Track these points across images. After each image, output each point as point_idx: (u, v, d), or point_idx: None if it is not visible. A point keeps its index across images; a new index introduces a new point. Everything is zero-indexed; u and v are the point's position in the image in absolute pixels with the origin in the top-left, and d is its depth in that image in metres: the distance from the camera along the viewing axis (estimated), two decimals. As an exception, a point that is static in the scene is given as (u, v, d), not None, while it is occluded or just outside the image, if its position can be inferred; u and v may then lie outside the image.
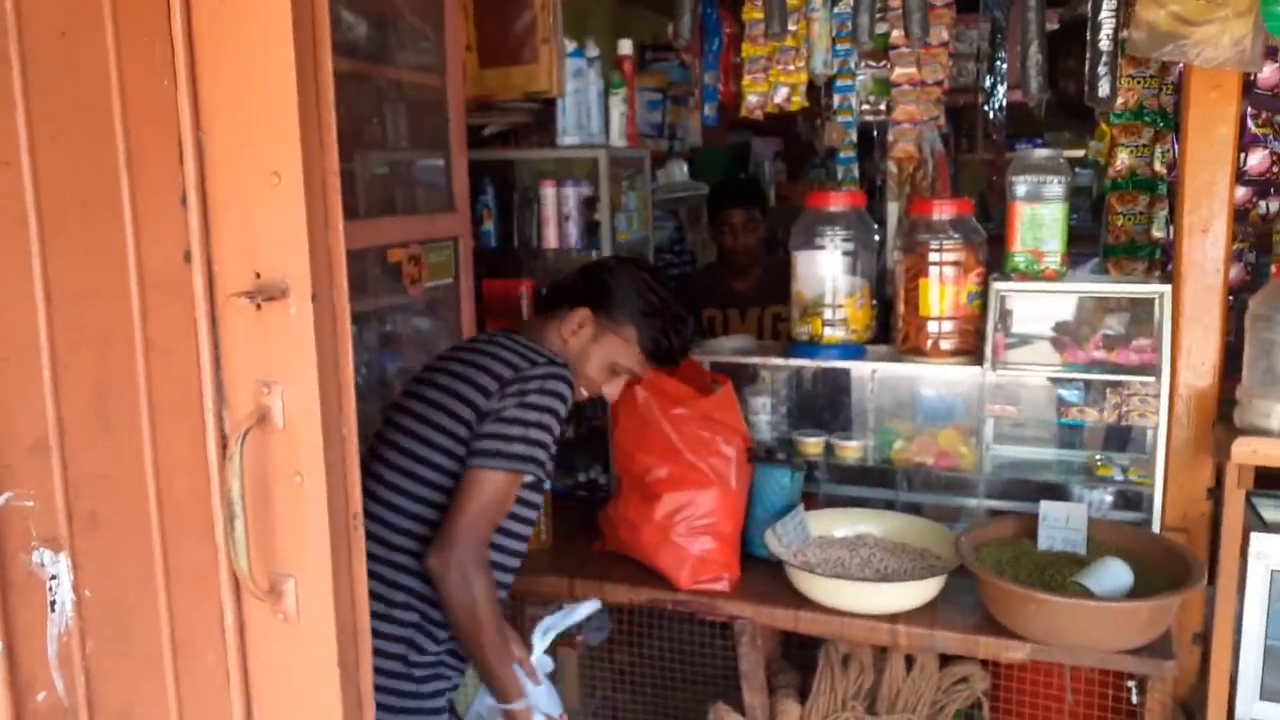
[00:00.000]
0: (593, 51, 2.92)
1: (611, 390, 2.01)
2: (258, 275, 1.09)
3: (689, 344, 2.07)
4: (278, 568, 1.13)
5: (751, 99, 3.07)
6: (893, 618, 2.09)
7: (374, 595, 1.80)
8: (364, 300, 2.47)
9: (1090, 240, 3.31)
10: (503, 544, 1.90)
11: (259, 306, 1.08)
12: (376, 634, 1.79)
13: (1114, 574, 2.00)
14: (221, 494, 1.09)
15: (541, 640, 2.00)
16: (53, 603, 0.99)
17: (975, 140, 5.21)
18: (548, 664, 2.01)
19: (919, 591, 2.09)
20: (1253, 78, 2.23)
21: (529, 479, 1.82)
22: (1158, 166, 2.59)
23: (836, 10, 2.79)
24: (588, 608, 2.03)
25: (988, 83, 3.63)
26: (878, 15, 2.72)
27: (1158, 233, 2.60)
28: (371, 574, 1.81)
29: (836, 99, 3.08)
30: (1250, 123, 2.26)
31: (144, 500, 1.06)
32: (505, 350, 1.86)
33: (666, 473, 2.27)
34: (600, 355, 1.95)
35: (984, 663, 2.26)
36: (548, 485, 2.48)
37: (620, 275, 1.96)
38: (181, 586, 1.10)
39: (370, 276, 2.50)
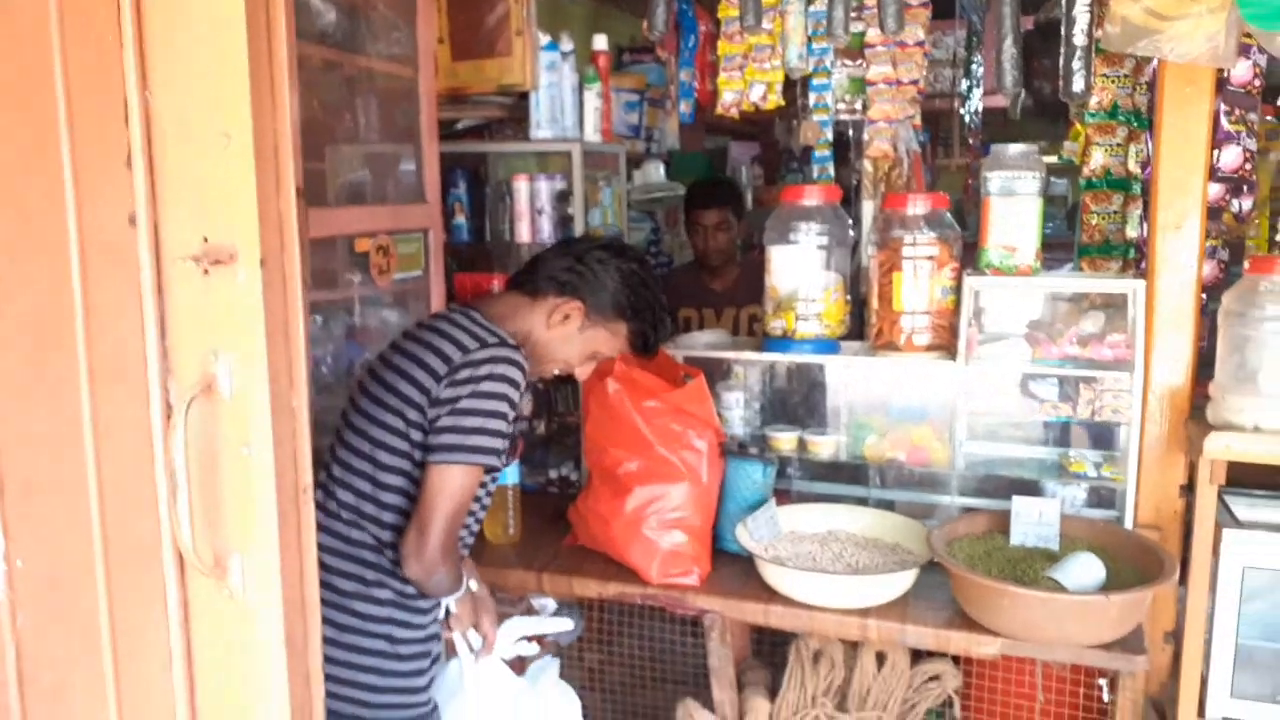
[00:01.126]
0: (567, 46, 2.90)
1: (583, 371, 2.00)
2: (205, 239, 1.05)
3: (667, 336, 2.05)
4: (224, 542, 1.09)
5: (727, 96, 3.05)
6: (864, 612, 2.07)
7: (348, 575, 1.82)
8: (330, 290, 2.43)
9: (1066, 248, 3.32)
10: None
11: (206, 271, 1.05)
12: (357, 614, 1.81)
13: (1086, 568, 1.98)
14: (165, 465, 1.05)
15: (509, 644, 2.00)
16: (-18, 573, 0.95)
17: (952, 145, 5.23)
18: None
19: (890, 585, 2.07)
20: (1226, 74, 2.24)
21: (490, 465, 1.79)
22: (1132, 166, 2.59)
23: (812, 9, 2.78)
24: (559, 625, 2.01)
25: (964, 86, 3.63)
26: (853, 15, 2.72)
27: (1132, 232, 2.60)
28: (343, 554, 1.81)
29: (813, 97, 3.06)
30: (1224, 120, 2.26)
31: (82, 469, 1.02)
32: (455, 329, 1.82)
33: (637, 466, 2.24)
34: (584, 344, 1.93)
35: (955, 660, 2.24)
36: (510, 479, 2.46)
37: (615, 270, 1.91)
38: (122, 560, 1.06)
39: (337, 265, 2.46)
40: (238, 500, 1.08)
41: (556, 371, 2.00)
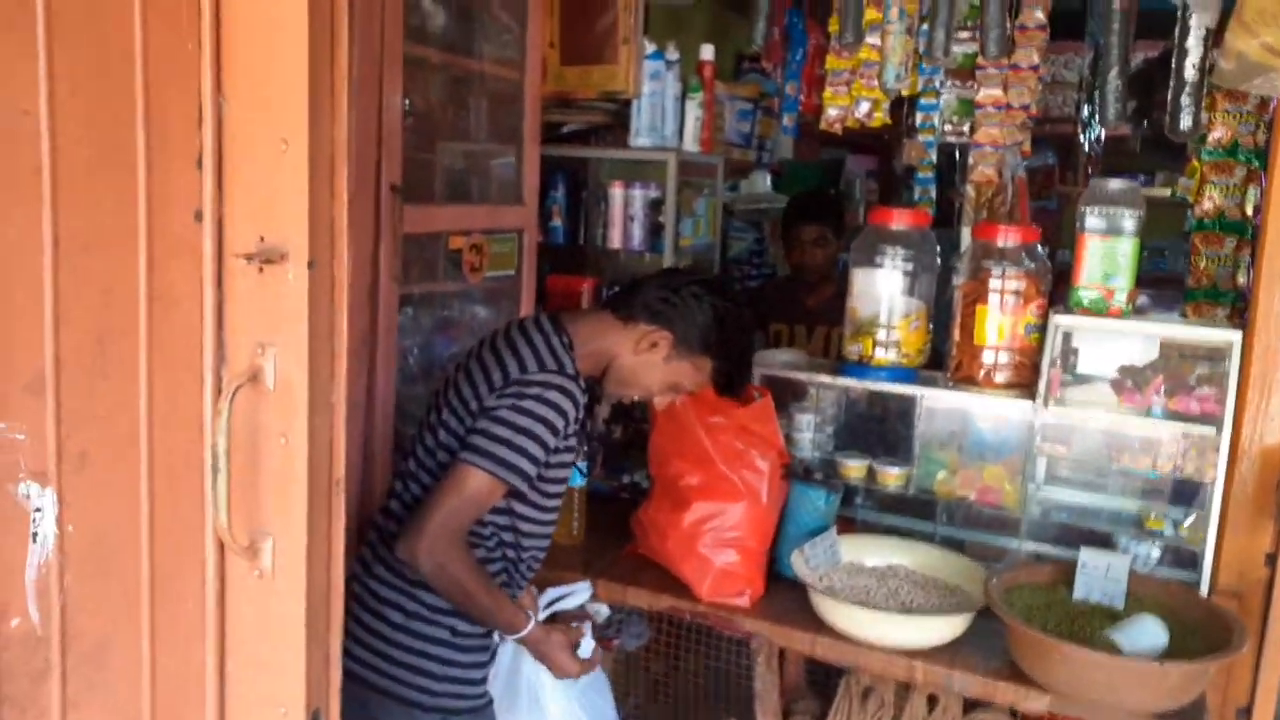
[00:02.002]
0: (673, 55, 2.93)
1: (662, 401, 2.04)
2: (262, 239, 1.12)
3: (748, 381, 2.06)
4: (258, 525, 1.16)
5: (832, 112, 3.03)
6: (912, 653, 2.03)
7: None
8: (421, 284, 2.52)
9: (1181, 285, 3.16)
10: (531, 530, 1.93)
11: (260, 269, 1.11)
12: (423, 603, 1.86)
13: (1148, 632, 1.90)
14: (210, 448, 1.13)
15: (543, 611, 2.05)
16: (35, 534, 1.03)
17: (1078, 171, 5.03)
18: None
19: (939, 628, 2.03)
20: (1353, 120, 2.10)
21: (512, 486, 1.79)
22: (1248, 209, 2.46)
23: (923, 28, 2.73)
24: (582, 591, 2.04)
25: (1085, 112, 3.50)
26: (966, 36, 2.66)
27: (1242, 279, 2.46)
28: None
29: (919, 117, 3.01)
30: (1347, 169, 2.12)
31: (135, 446, 1.10)
32: (526, 346, 1.86)
33: (698, 480, 2.25)
34: (666, 374, 1.96)
35: (1012, 713, 2.18)
36: (579, 481, 2.50)
37: (710, 306, 1.92)
38: (165, 532, 1.14)
39: (431, 260, 2.55)
40: (273, 486, 1.14)
41: (636, 397, 2.04)
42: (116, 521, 1.10)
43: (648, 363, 1.93)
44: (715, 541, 2.22)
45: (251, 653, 1.18)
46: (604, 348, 1.93)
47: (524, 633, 1.89)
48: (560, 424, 1.80)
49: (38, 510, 1.03)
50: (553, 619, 2.06)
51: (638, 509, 2.49)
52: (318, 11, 1.09)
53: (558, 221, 3.14)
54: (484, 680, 1.97)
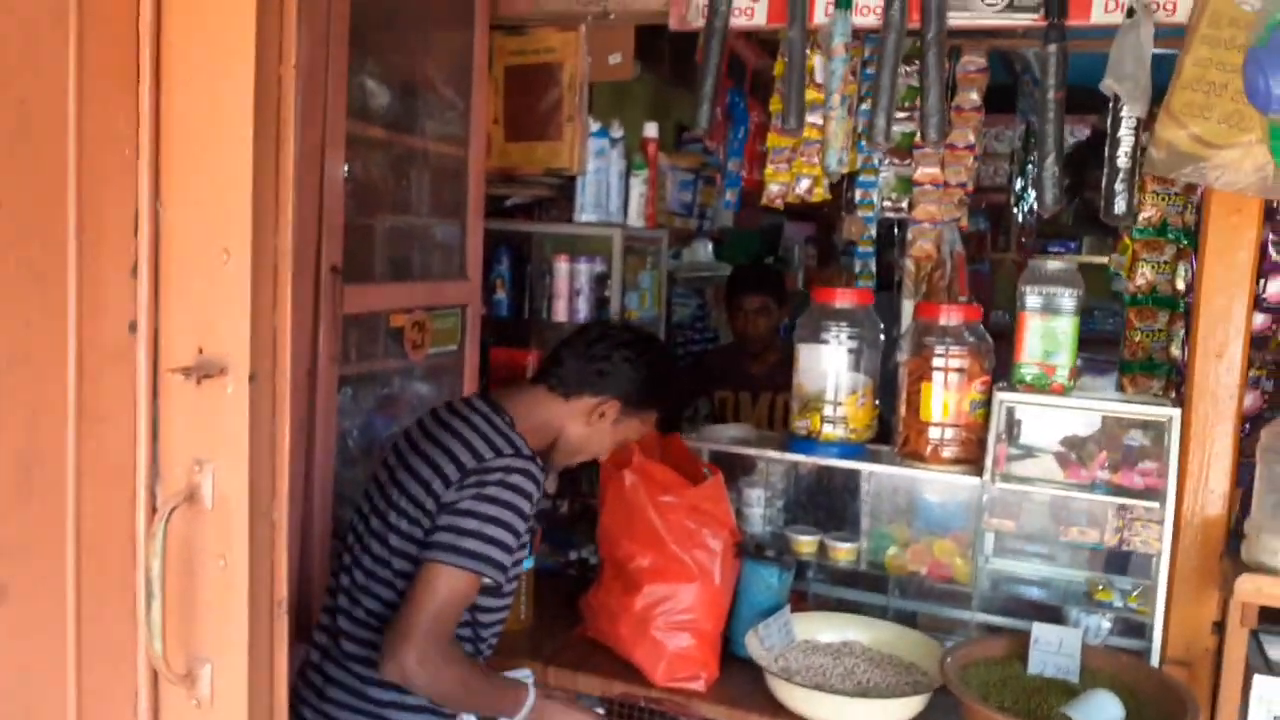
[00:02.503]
0: (617, 132, 2.95)
1: (606, 454, 2.07)
2: (200, 351, 1.08)
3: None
4: (196, 652, 1.10)
5: (773, 188, 3.05)
6: (870, 735, 2.01)
7: (383, 684, 1.75)
8: (361, 363, 2.47)
9: (1118, 346, 3.23)
10: (490, 620, 1.88)
11: (198, 382, 1.07)
12: (401, 706, 1.77)
13: (1103, 709, 1.90)
14: (143, 573, 1.07)
15: None
16: (-49, 674, 0.96)
17: (1011, 239, 5.17)
18: None
19: (898, 710, 2.01)
20: (1275, 204, 2.18)
21: (487, 581, 1.74)
22: (1179, 284, 2.53)
23: (864, 107, 2.78)
24: (525, 678, 1.97)
25: (1018, 185, 3.60)
26: (904, 116, 2.72)
27: (1175, 351, 2.53)
28: (374, 663, 1.75)
29: (858, 193, 3.06)
30: (1271, 249, 2.20)
31: (61, 575, 1.04)
32: (473, 433, 1.82)
33: (649, 562, 2.21)
34: (617, 435, 1.99)
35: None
36: (527, 564, 2.44)
37: (645, 365, 1.94)
38: (94, 665, 1.07)
39: (371, 339, 2.50)
40: (211, 610, 1.09)
41: (582, 459, 2.04)
42: (41, 657, 1.03)
43: (598, 431, 1.96)
44: (668, 625, 2.18)
45: (187, 788, 1.11)
46: (546, 422, 1.92)
47: (529, 703, 1.83)
48: (526, 507, 1.77)
49: (-46, 649, 0.96)
50: None
51: (587, 591, 2.44)
52: (263, 117, 1.06)
53: (502, 294, 3.12)
54: None
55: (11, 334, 0.99)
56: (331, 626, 1.87)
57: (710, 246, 4.36)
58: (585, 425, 1.93)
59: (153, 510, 1.09)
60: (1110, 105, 2.06)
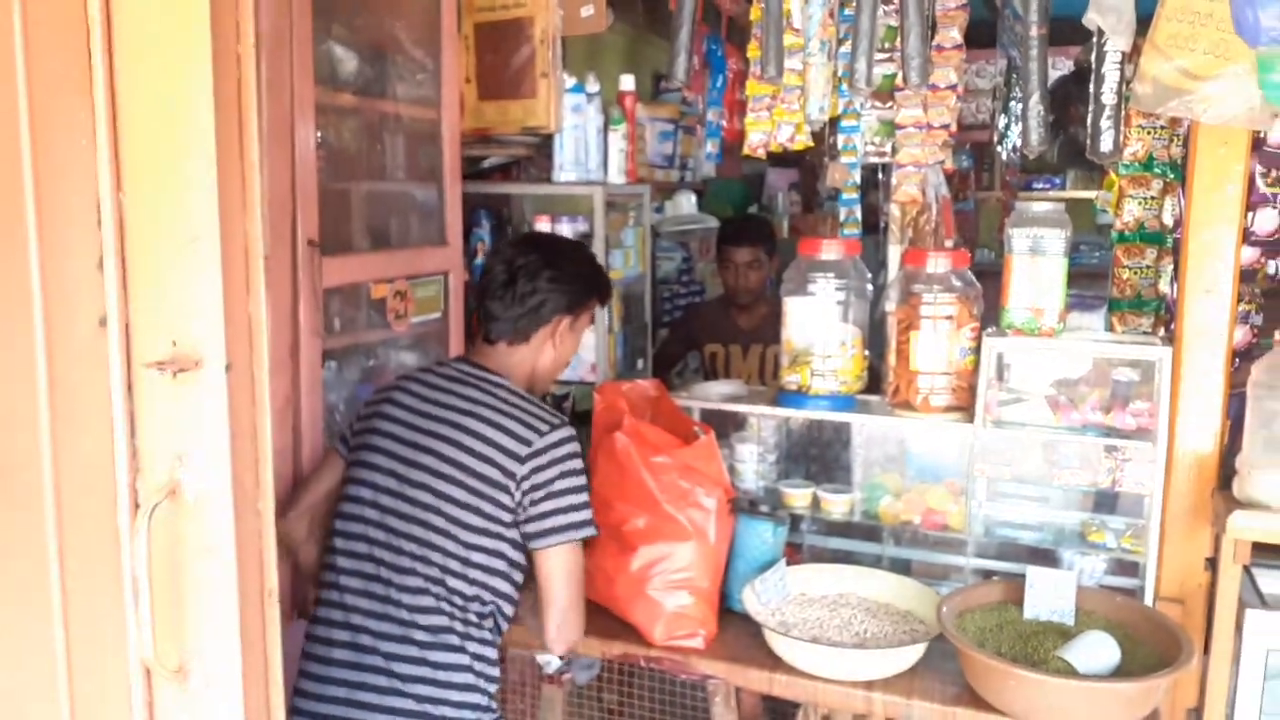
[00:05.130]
0: (593, 87, 2.89)
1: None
2: (174, 343, 1.05)
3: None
4: (188, 645, 1.08)
5: (754, 137, 3.01)
6: (869, 684, 2.02)
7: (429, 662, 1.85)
8: (344, 336, 2.44)
9: (1105, 280, 3.22)
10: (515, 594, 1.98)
11: (174, 376, 1.04)
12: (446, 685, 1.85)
13: (1099, 650, 1.91)
14: (129, 570, 1.05)
15: None
16: (-61, 684, 0.95)
17: (995, 177, 5.13)
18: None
19: (896, 660, 2.02)
20: (1262, 135, 2.15)
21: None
22: (1166, 219, 2.51)
23: (843, 50, 2.73)
24: None
25: (1001, 123, 3.55)
26: (884, 57, 2.67)
27: (1164, 287, 2.51)
28: (409, 640, 1.84)
29: (841, 139, 3.01)
30: (1259, 181, 2.18)
31: (45, 576, 1.02)
32: (512, 409, 1.93)
33: (644, 523, 2.20)
34: (576, 339, 2.13)
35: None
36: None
37: (568, 273, 2.05)
38: (85, 665, 1.06)
39: (352, 311, 2.47)
40: (201, 604, 1.07)
41: (559, 375, 2.19)
42: (31, 663, 1.02)
43: (564, 346, 2.09)
44: (665, 584, 2.18)
45: (188, 781, 1.10)
46: (524, 370, 2.05)
47: None
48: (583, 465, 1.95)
49: (-60, 657, 0.95)
50: None
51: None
52: (223, 98, 1.02)
53: (483, 259, 3.07)
54: None
55: (-24, 336, 0.96)
56: (361, 601, 1.89)
57: (694, 198, 4.31)
58: (551, 350, 2.06)
59: (135, 506, 1.07)
60: (1094, 40, 2.02)
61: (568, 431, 1.93)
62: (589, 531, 1.92)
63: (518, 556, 1.94)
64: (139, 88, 1.04)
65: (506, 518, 1.87)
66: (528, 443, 1.87)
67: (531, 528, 1.87)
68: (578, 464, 1.92)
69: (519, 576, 1.96)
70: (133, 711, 1.09)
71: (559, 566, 1.89)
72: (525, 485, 1.86)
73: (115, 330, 1.06)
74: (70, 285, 1.04)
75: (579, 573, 1.93)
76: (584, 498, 1.92)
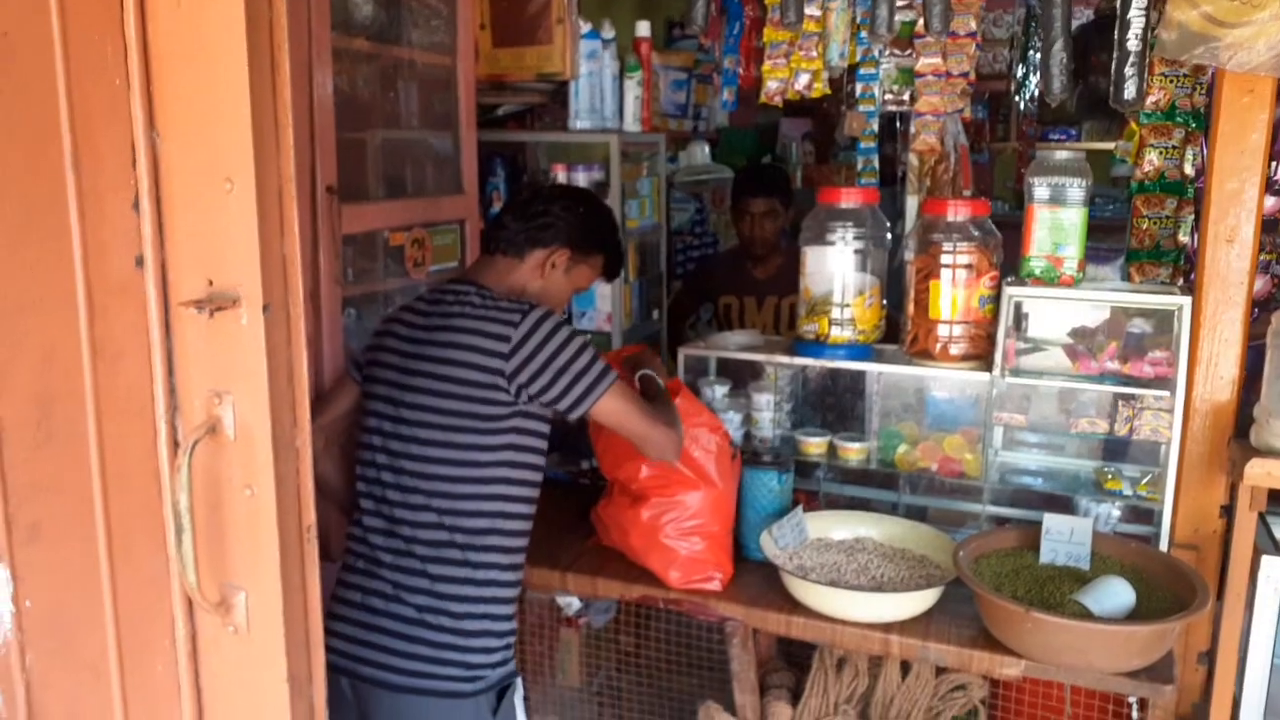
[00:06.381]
0: (609, 34, 2.86)
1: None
2: (210, 283, 1.06)
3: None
4: (229, 579, 1.11)
5: (772, 85, 2.98)
6: (886, 626, 2.05)
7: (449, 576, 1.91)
8: (362, 284, 2.45)
9: (1122, 233, 3.20)
10: (518, 488, 1.97)
11: (211, 315, 1.05)
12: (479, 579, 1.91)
13: (1115, 593, 1.94)
14: (171, 505, 1.07)
15: None
16: (-9, 614, 0.97)
17: (1010, 127, 5.08)
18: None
19: (913, 603, 2.05)
20: (1288, 81, 2.12)
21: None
22: (1188, 169, 2.49)
23: (860, -2, 2.70)
24: None
25: (1019, 73, 3.51)
26: (903, 3, 2.64)
27: (1184, 238, 2.50)
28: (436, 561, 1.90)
29: (859, 87, 2.98)
30: (1283, 129, 2.15)
31: (89, 510, 1.04)
32: (482, 310, 1.93)
33: (648, 476, 2.21)
34: (570, 283, 2.10)
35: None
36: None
37: (582, 212, 2.07)
38: (130, 597, 1.08)
39: (371, 258, 2.47)
40: (241, 539, 1.10)
41: None
42: (76, 591, 1.04)
43: (554, 281, 2.07)
44: (678, 532, 2.20)
45: (231, 711, 1.13)
46: (510, 285, 2.04)
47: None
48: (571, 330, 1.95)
49: (-9, 589, 0.97)
50: None
51: (598, 503, 2.46)
52: (256, 36, 1.02)
53: (498, 207, 3.07)
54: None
55: (18, 277, 0.97)
56: (374, 521, 1.96)
57: (707, 148, 4.28)
58: (541, 278, 2.05)
59: (174, 443, 1.09)
60: (1121, -14, 2.00)
61: (540, 312, 1.91)
62: (611, 378, 1.92)
63: (523, 457, 1.95)
64: (170, 27, 1.04)
65: (504, 412, 1.89)
66: (505, 339, 1.88)
67: (563, 402, 1.89)
68: (563, 333, 1.90)
69: (524, 490, 1.97)
70: (176, 643, 1.11)
71: (611, 414, 1.93)
72: (519, 378, 1.87)
73: (152, 270, 1.07)
74: (107, 226, 1.04)
75: (633, 405, 1.95)
76: (587, 356, 1.91)
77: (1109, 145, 4.06)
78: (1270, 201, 2.18)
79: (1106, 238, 3.93)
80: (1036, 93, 3.85)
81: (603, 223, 2.13)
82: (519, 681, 2.02)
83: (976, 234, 2.27)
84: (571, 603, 2.43)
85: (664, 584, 2.23)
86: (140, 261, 1.06)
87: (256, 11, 1.02)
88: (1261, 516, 2.08)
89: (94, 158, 1.03)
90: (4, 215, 0.95)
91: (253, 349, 1.05)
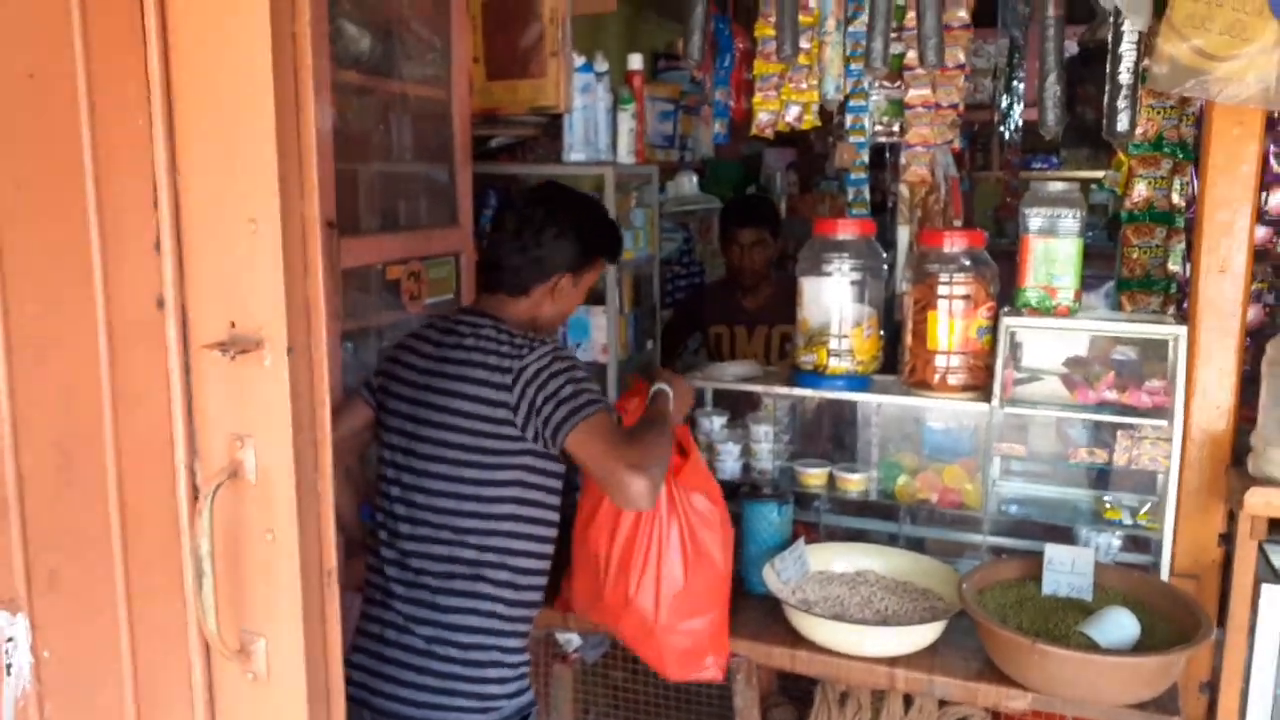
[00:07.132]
0: (602, 66, 2.87)
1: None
2: (233, 325, 1.05)
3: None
4: (248, 626, 1.09)
5: (763, 117, 3.01)
6: (891, 660, 2.04)
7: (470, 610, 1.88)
8: (360, 318, 2.43)
9: (1106, 260, 3.24)
10: (532, 530, 1.94)
11: (233, 358, 1.04)
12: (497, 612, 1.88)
13: (1120, 625, 1.94)
14: (191, 551, 1.05)
15: None
16: (9, 666, 0.95)
17: (990, 156, 5.14)
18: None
19: (919, 636, 2.04)
20: (1277, 115, 2.17)
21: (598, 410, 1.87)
22: (1176, 199, 2.53)
23: (851, 29, 2.73)
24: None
25: (1004, 103, 3.56)
26: (892, 36, 2.67)
27: (1173, 266, 2.53)
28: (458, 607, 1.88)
29: (849, 119, 3.02)
30: (1273, 161, 2.20)
31: (108, 557, 1.02)
32: (490, 350, 1.92)
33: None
34: (580, 292, 2.10)
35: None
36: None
37: (572, 227, 2.03)
38: (148, 644, 1.06)
39: (367, 292, 2.46)
40: (262, 585, 1.08)
41: (560, 325, 2.21)
42: (95, 639, 1.02)
43: (563, 300, 2.07)
44: (671, 615, 2.03)
45: (249, 761, 1.11)
46: (521, 319, 2.03)
47: (671, 400, 2.08)
48: (577, 363, 1.92)
49: (9, 640, 0.95)
50: None
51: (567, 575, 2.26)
52: (281, 76, 1.02)
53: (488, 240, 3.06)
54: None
55: (42, 317, 0.96)
56: (388, 552, 1.96)
57: (695, 179, 4.30)
58: (551, 304, 2.05)
59: (194, 487, 1.07)
60: (1111, 19, 2.03)
61: (546, 346, 1.90)
62: (595, 408, 1.84)
63: (533, 494, 1.92)
64: (194, 68, 1.03)
65: (513, 448, 1.88)
66: (509, 370, 1.87)
67: (547, 431, 1.84)
68: (562, 363, 1.88)
69: (535, 528, 1.94)
70: (194, 690, 1.09)
71: (579, 446, 1.82)
72: (524, 407, 1.85)
73: (173, 311, 1.05)
74: (128, 266, 1.03)
75: (604, 439, 1.82)
76: (578, 386, 1.86)
77: (1092, 174, 4.12)
78: (1260, 232, 2.21)
79: (1088, 265, 3.98)
80: (1020, 122, 3.90)
81: (592, 226, 2.09)
82: (535, 712, 2.00)
83: (973, 265, 2.28)
84: (571, 639, 2.41)
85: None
86: (161, 303, 1.05)
87: (281, 51, 1.01)
88: (1260, 545, 2.09)
89: (116, 198, 1.02)
90: (26, 255, 0.94)
91: (276, 392, 1.04)
